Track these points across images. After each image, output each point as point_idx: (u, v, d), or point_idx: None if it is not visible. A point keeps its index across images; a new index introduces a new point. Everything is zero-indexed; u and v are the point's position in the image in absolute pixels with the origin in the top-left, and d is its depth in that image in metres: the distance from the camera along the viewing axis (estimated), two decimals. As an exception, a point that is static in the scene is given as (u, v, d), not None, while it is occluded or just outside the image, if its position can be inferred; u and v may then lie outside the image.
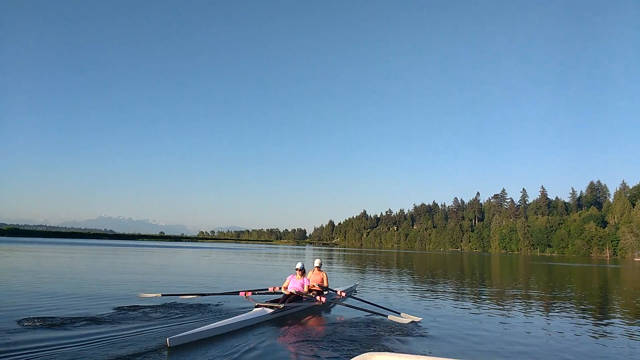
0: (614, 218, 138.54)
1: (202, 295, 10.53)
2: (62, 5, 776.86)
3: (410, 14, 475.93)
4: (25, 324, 7.43)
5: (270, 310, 8.88)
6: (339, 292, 11.45)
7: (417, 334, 8.06)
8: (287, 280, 10.48)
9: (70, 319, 7.91)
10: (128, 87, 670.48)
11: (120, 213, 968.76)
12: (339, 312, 10.30)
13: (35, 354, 5.78)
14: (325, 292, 11.20)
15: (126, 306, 9.42)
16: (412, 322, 8.94)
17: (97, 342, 6.47)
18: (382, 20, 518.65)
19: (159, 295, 10.31)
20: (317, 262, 11.63)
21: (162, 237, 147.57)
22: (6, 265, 19.78)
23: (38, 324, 7.46)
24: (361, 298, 11.33)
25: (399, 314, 9.56)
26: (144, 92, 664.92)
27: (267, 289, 11.15)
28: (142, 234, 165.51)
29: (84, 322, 7.73)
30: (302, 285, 10.28)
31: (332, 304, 10.38)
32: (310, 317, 9.66)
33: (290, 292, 9.97)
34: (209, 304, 10.24)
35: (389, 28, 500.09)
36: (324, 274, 11.57)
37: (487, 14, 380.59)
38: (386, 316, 9.19)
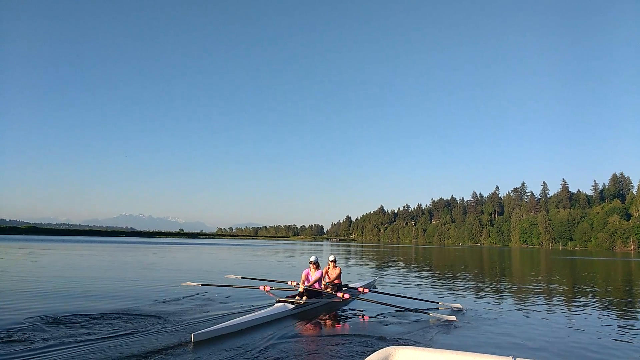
0: (638, 210, 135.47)
1: (232, 286, 11.23)
2: (63, 3, 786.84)
3: (416, 14, 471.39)
4: (56, 320, 7.60)
5: (291, 306, 9.03)
6: (359, 289, 11.27)
7: (442, 328, 7.98)
8: (304, 275, 10.45)
9: (97, 315, 8.10)
10: (145, 85, 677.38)
11: (141, 211, 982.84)
12: (360, 307, 10.31)
13: (61, 350, 5.90)
14: (344, 288, 11.32)
15: (151, 301, 9.75)
16: (457, 310, 9.38)
17: (124, 336, 6.63)
18: (394, 17, 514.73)
19: (199, 284, 11.29)
20: (332, 257, 11.41)
21: (179, 234, 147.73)
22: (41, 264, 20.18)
23: (62, 321, 7.60)
24: (382, 291, 11.35)
25: (437, 303, 9.83)
26: (161, 89, 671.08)
27: (287, 282, 11.46)
28: (162, 231, 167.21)
29: (111, 318, 7.92)
30: (319, 278, 10.28)
31: (353, 299, 10.40)
32: (331, 312, 9.70)
33: (308, 287, 10.02)
34: (232, 299, 10.60)
35: (399, 21, 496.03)
36: (339, 269, 11.40)
37: (489, 13, 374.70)
38: (426, 312, 9.10)
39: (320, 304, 10.03)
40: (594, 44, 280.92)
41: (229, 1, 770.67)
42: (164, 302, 9.88)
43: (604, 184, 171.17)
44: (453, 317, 8.58)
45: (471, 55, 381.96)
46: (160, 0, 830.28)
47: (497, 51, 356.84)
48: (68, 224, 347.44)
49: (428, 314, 8.92)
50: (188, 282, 11.66)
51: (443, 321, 8.48)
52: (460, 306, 9.85)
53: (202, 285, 11.32)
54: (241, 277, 13.01)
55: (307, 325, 8.22)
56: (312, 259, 10.41)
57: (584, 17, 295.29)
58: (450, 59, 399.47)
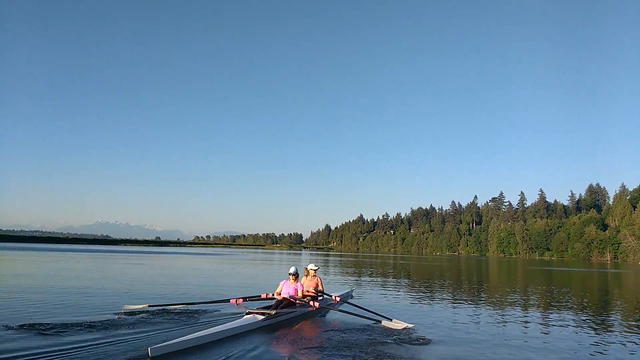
0: (615, 221, 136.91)
1: (192, 304, 10.14)
2: (62, 9, 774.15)
3: (411, 18, 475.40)
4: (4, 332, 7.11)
5: (261, 317, 8.57)
6: (334, 297, 11.29)
7: (410, 342, 7.74)
8: (280, 286, 10.16)
9: (48, 329, 7.55)
10: (123, 91, 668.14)
11: (117, 218, 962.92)
12: (333, 318, 10.02)
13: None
14: (320, 298, 11.07)
15: (108, 316, 8.96)
16: (405, 328, 8.78)
17: (75, 352, 6.15)
18: (380, 23, 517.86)
19: (146, 306, 9.71)
20: (311, 266, 11.27)
21: (146, 242, 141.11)
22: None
23: (15, 333, 7.11)
24: (356, 304, 11.02)
25: (391, 320, 9.37)
26: (140, 96, 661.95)
27: (260, 296, 10.73)
28: (138, 239, 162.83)
29: (62, 332, 7.35)
30: (296, 290, 9.97)
31: (326, 309, 10.24)
32: (303, 323, 9.37)
33: (284, 298, 9.70)
34: (198, 312, 9.74)
35: (386, 31, 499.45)
36: (319, 279, 11.24)
37: (486, 17, 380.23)
38: (379, 322, 9.16)
39: (293, 315, 9.61)
40: (585, 53, 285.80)
41: (227, 5, 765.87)
42: (118, 314, 9.12)
43: (580, 194, 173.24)
44: (398, 327, 8.65)
45: (460, 62, 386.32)
46: (158, 7, 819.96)
47: (481, 61, 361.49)
48: (42, 231, 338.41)
49: (380, 322, 9.08)
50: (127, 305, 9.75)
51: (392, 330, 8.57)
52: (411, 325, 9.20)
53: (149, 306, 9.68)
54: (149, 306, 9.87)
55: (277, 337, 7.93)
56: (292, 270, 10.12)
57: (580, 24, 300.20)
58: (438, 65, 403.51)
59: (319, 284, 11.17)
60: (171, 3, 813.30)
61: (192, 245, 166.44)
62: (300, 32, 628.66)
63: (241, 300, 9.96)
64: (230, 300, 9.99)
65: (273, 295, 10.30)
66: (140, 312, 9.37)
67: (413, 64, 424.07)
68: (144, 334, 7.37)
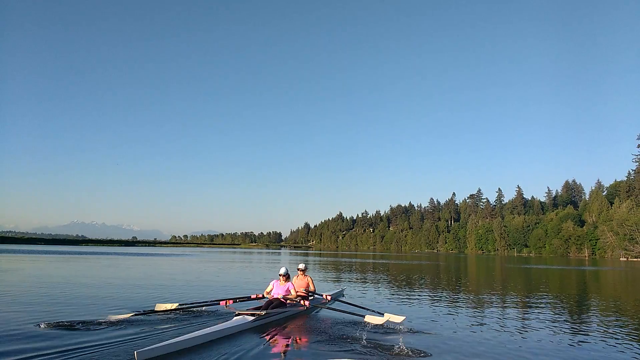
0: (592, 217, 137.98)
1: (179, 307, 9.74)
2: (60, 10, 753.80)
3: (404, 17, 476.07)
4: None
5: (251, 318, 8.41)
6: (324, 296, 11.24)
7: (397, 340, 7.44)
8: (271, 285, 10.03)
9: (34, 332, 7.40)
10: (101, 91, 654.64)
11: (93, 218, 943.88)
12: (324, 317, 9.90)
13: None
14: (311, 297, 10.99)
15: (94, 319, 8.60)
16: (393, 321, 8.96)
17: (61, 356, 6.00)
18: (371, 22, 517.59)
19: (176, 305, 9.71)
20: (301, 266, 11.28)
21: (111, 242, 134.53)
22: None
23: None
24: (348, 301, 11.07)
25: (382, 314, 9.38)
26: (119, 95, 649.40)
27: (250, 297, 10.54)
28: (115, 239, 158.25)
29: (47, 336, 7.12)
30: (287, 291, 9.85)
31: (317, 308, 10.23)
32: (294, 323, 9.22)
33: (274, 298, 9.59)
34: (185, 315, 9.54)
35: (371, 30, 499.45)
36: (309, 278, 11.16)
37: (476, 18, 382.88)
38: (363, 316, 9.25)
39: (283, 315, 9.48)
40: (571, 50, 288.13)
41: (222, 3, 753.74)
42: (104, 317, 8.75)
43: (557, 190, 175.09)
44: (402, 317, 8.97)
45: (433, 64, 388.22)
46: (156, 5, 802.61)
47: (458, 60, 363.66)
48: (15, 232, 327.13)
49: (365, 317, 9.10)
50: (161, 304, 9.68)
51: (394, 323, 8.84)
52: (401, 319, 9.27)
53: (179, 305, 9.70)
54: (179, 305, 9.86)
55: (267, 338, 7.71)
56: (282, 271, 10.05)
57: (571, 24, 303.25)
58: (419, 63, 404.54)
59: (310, 283, 11.08)
60: (170, 2, 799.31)
61: (159, 245, 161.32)
62: (282, 32, 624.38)
63: (231, 301, 9.79)
64: (220, 303, 9.76)
65: (263, 295, 10.22)
66: (125, 317, 8.88)
67: (394, 63, 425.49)
68: (130, 338, 7.15)
